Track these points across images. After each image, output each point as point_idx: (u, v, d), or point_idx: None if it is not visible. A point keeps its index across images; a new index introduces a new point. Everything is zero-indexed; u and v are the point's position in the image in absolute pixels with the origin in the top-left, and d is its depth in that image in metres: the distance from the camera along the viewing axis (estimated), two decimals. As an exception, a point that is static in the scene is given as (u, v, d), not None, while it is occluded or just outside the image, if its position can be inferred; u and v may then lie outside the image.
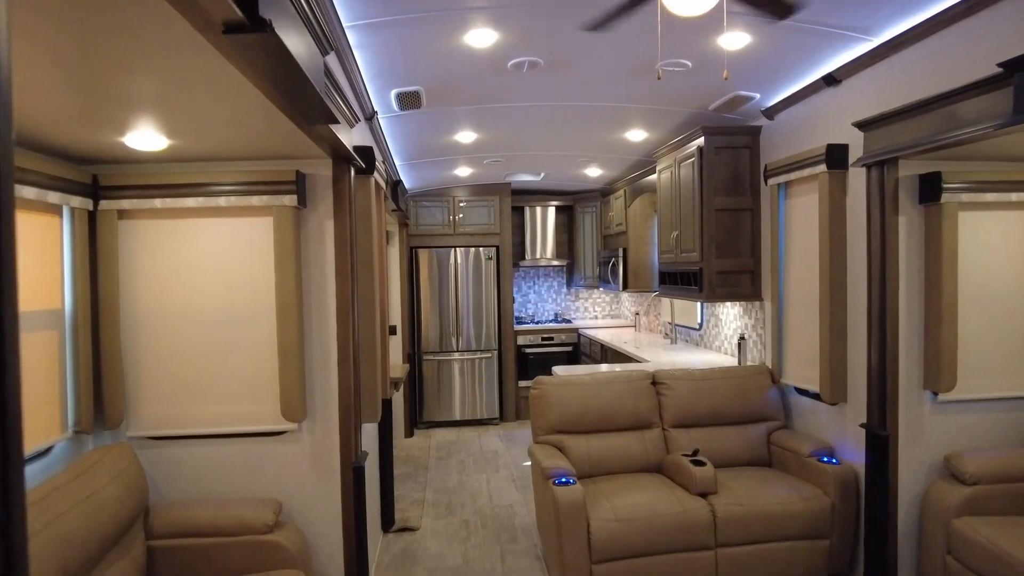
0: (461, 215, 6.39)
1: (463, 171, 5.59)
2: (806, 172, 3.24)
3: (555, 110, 3.82)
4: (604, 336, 5.80)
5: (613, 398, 3.42)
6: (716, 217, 3.89)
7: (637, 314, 6.19)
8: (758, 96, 3.54)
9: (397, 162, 4.89)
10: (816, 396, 3.31)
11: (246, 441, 2.43)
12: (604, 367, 4.63)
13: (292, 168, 2.34)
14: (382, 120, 3.69)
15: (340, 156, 2.38)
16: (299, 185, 2.34)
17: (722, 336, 4.55)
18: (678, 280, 4.29)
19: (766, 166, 3.65)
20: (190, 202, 2.31)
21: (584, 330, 6.44)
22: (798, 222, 3.44)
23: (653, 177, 5.14)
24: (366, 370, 2.76)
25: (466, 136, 4.33)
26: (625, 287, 5.79)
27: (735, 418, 3.53)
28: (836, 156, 3.06)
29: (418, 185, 6.08)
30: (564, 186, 6.61)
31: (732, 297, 3.94)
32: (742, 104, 3.66)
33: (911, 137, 2.50)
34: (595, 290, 7.31)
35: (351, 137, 2.40)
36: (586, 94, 3.51)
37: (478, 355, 6.37)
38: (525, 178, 6.24)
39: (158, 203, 2.29)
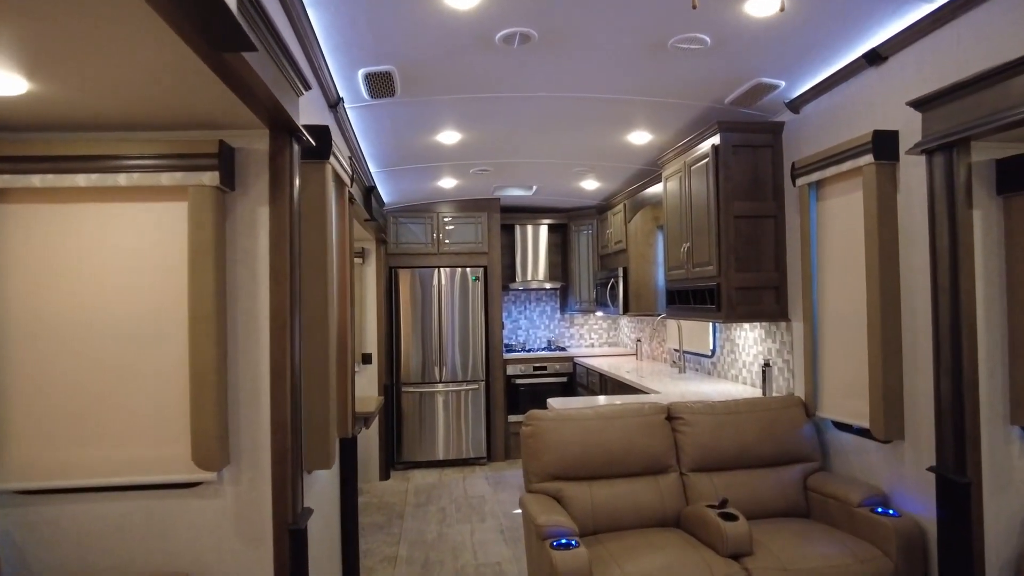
0: (446, 233, 5.90)
1: (447, 182, 5.12)
2: (846, 166, 2.77)
3: (550, 103, 3.36)
4: (603, 365, 5.26)
5: (622, 436, 2.88)
6: (735, 225, 3.41)
7: (639, 341, 5.67)
8: (783, 85, 3.11)
9: (373, 169, 4.40)
10: (863, 432, 2.78)
11: (147, 495, 1.86)
12: (606, 399, 4.08)
13: (215, 138, 1.83)
14: (350, 111, 3.21)
15: (280, 126, 1.88)
16: (223, 160, 1.82)
17: (739, 363, 4.03)
18: (690, 299, 3.79)
19: (794, 164, 3.19)
20: (80, 180, 1.78)
21: (581, 359, 5.91)
22: (834, 226, 2.96)
23: (655, 189, 4.69)
24: (315, 403, 2.21)
25: (449, 136, 3.86)
26: (626, 310, 5.29)
27: (765, 459, 2.99)
28: (885, 144, 2.60)
29: (398, 199, 5.59)
30: (558, 202, 6.15)
31: (754, 317, 3.44)
32: (764, 95, 3.22)
33: (989, 111, 2.04)
34: (591, 315, 6.80)
35: (297, 108, 1.90)
36: (586, 81, 3.06)
37: (464, 387, 5.81)
38: (515, 192, 5.77)
39: (36, 180, 1.77)
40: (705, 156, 3.54)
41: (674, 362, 4.89)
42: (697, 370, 4.66)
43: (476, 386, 5.84)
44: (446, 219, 5.90)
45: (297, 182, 1.95)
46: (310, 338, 2.18)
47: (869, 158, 2.62)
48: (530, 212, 6.45)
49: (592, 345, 6.81)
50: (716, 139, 3.43)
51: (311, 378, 2.19)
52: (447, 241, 5.90)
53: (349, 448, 3.06)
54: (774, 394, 3.50)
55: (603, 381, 5.06)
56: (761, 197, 3.46)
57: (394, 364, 5.74)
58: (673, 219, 4.03)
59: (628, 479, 2.87)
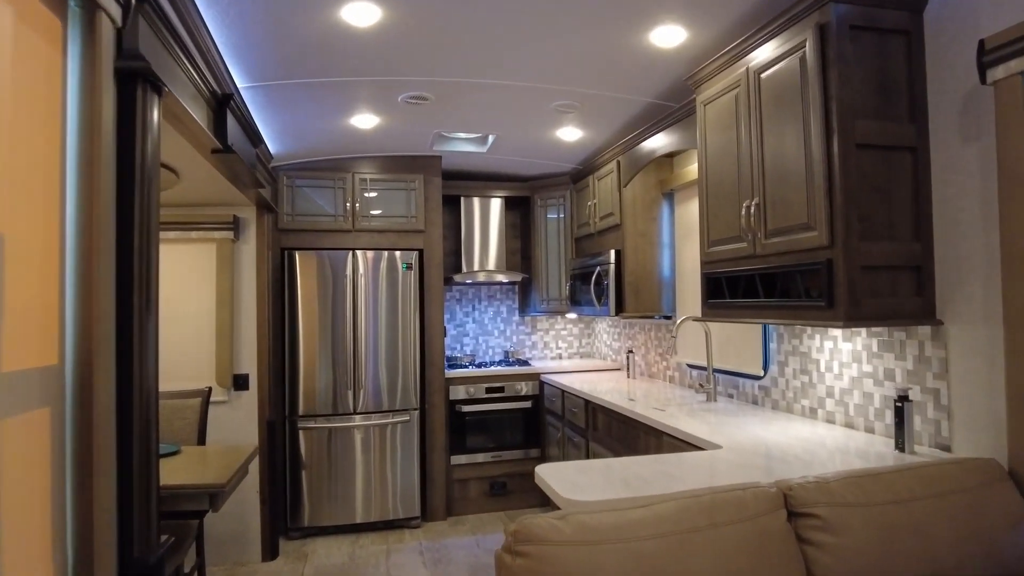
0: (365, 203, 4.31)
1: (365, 120, 3.54)
2: None
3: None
4: (582, 385, 3.83)
5: (713, 568, 1.41)
6: (857, 161, 2.03)
7: (630, 352, 4.27)
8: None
9: (241, 82, 2.79)
10: None
11: None
12: (631, 461, 2.63)
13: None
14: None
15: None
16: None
17: (819, 391, 2.66)
18: (758, 290, 2.39)
19: (983, 43, 1.83)
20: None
21: (550, 376, 4.45)
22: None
23: (660, 140, 3.29)
24: None
25: (361, 10, 2.30)
26: (620, 310, 3.86)
27: (966, 590, 1.60)
28: None
29: (293, 149, 3.96)
30: (519, 166, 4.67)
31: (890, 316, 2.06)
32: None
33: None
34: (559, 317, 5.36)
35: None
36: None
37: (390, 418, 4.23)
38: (463, 148, 4.26)
39: None
40: (795, 51, 2.15)
41: (700, 385, 3.49)
42: (733, 396, 3.28)
43: (407, 417, 4.27)
44: (366, 183, 4.31)
45: None
46: None
47: None
48: (481, 180, 4.94)
49: (560, 356, 5.36)
50: (824, 15, 2.05)
51: None
52: (367, 214, 4.31)
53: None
54: (919, 450, 2.13)
55: (590, 412, 3.61)
56: (892, 115, 2.10)
57: (287, 388, 4.10)
58: (722, 165, 2.63)
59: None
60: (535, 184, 4.94)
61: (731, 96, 2.56)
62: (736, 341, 3.21)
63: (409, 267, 4.31)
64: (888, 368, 2.30)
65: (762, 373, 3.01)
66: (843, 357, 2.53)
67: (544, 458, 4.54)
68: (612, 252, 3.86)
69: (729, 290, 2.61)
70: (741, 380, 3.21)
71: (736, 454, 2.11)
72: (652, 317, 4.08)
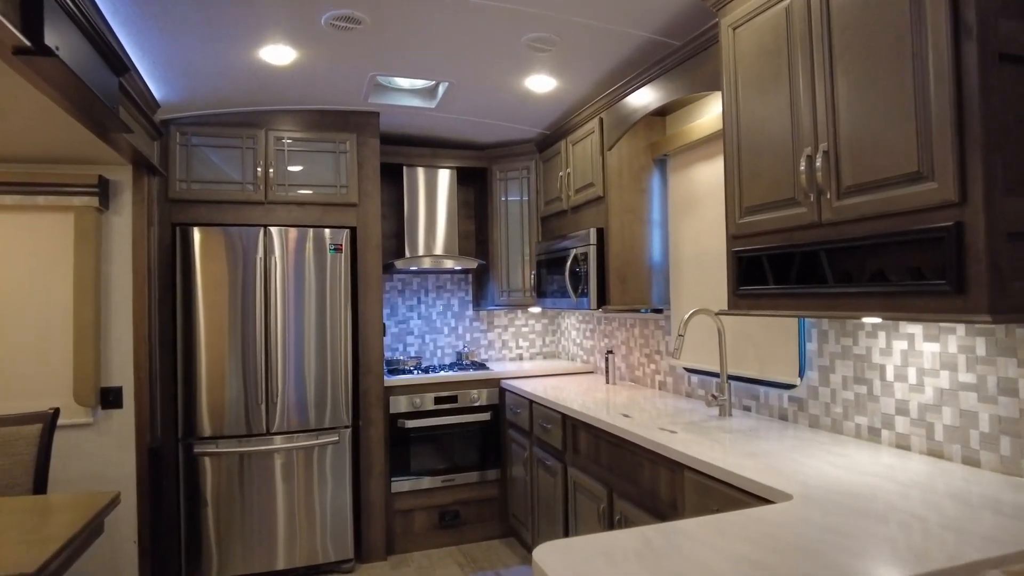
0: (282, 167, 3.47)
1: (278, 53, 2.72)
2: None
3: None
4: (554, 393, 3.14)
5: None
6: (999, 76, 1.40)
7: (609, 354, 3.61)
8: None
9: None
10: None
11: None
12: (668, 532, 1.94)
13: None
14: None
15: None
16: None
17: (884, 407, 2.05)
18: (826, 274, 1.75)
19: None
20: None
21: (513, 382, 3.74)
22: None
23: (648, 96, 2.64)
24: None
25: None
26: (603, 302, 3.18)
27: None
28: None
29: (187, 97, 3.09)
30: (472, 132, 3.93)
31: (1040, 309, 1.44)
32: None
33: None
34: (520, 311, 4.65)
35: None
36: None
37: (315, 439, 3.43)
38: (407, 102, 3.48)
39: None
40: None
41: (713, 396, 2.85)
42: (751, 410, 2.65)
43: (335, 437, 3.47)
44: (283, 143, 3.48)
45: None
46: None
47: None
48: (428, 146, 4.17)
49: (521, 357, 4.66)
50: None
51: None
52: (285, 182, 3.48)
53: None
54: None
55: (569, 429, 2.91)
56: (1035, 20, 1.48)
57: (181, 405, 3.24)
58: (763, 105, 1.98)
59: None
60: (493, 153, 4.20)
61: (778, 10, 1.90)
62: (758, 340, 2.58)
63: (338, 249, 3.50)
64: (1007, 378, 1.69)
65: (797, 381, 2.38)
66: (924, 362, 1.92)
67: (505, 480, 3.83)
68: (592, 232, 3.18)
69: (775, 273, 1.95)
70: (763, 390, 2.59)
71: (820, 509, 1.45)
72: (638, 311, 3.43)
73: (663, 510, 2.19)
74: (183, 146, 3.32)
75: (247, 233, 3.35)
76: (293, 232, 3.43)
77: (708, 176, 2.90)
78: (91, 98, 1.94)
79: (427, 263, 3.95)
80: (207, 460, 3.26)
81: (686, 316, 2.58)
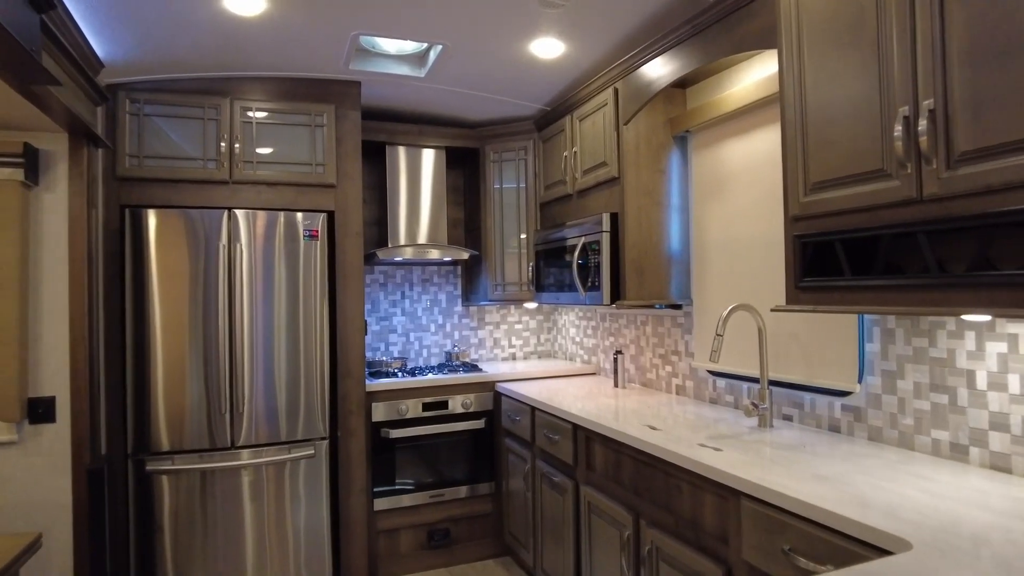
0: (249, 142, 3.06)
1: (245, 4, 2.31)
2: None
3: None
4: (556, 398, 2.80)
5: None
6: None
7: (618, 354, 3.28)
8: None
9: None
10: None
11: None
12: None
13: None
14: None
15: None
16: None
17: (972, 420, 1.75)
18: (923, 258, 1.43)
19: None
20: None
21: (509, 385, 3.39)
22: None
23: (671, 63, 2.31)
24: None
25: None
26: (617, 296, 2.85)
27: None
28: None
29: (138, 56, 2.66)
30: (464, 107, 3.55)
31: None
32: None
33: None
34: (513, 307, 4.29)
35: None
36: None
37: (288, 452, 3.03)
38: (393, 70, 3.10)
39: None
40: None
41: (754, 405, 2.54)
42: (792, 419, 2.34)
43: (311, 450, 3.08)
44: (251, 114, 3.06)
45: None
46: None
47: None
48: (414, 122, 3.78)
49: (515, 356, 4.30)
50: None
51: None
52: (253, 159, 3.06)
53: None
54: None
55: (581, 442, 2.57)
56: None
57: (131, 416, 2.82)
58: (838, 58, 1.65)
59: None
60: (486, 132, 3.83)
61: (863, -60, 1.57)
62: (805, 340, 2.27)
63: (314, 236, 3.10)
64: None
65: (855, 387, 2.07)
66: (1031, 368, 1.62)
67: (500, 495, 3.48)
68: (605, 217, 2.84)
69: (852, 261, 1.63)
70: (808, 397, 2.28)
71: (956, 565, 1.13)
72: (653, 307, 3.10)
73: (709, 544, 1.86)
74: (134, 116, 2.89)
75: (209, 217, 2.94)
76: (262, 216, 3.02)
77: (741, 153, 2.57)
78: (1, 35, 1.53)
79: (412, 253, 3.56)
80: (163, 479, 2.85)
81: (724, 313, 2.25)
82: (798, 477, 1.67)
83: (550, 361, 4.13)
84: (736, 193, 2.60)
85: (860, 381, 2.07)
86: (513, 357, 4.28)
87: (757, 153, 2.48)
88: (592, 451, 2.52)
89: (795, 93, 1.80)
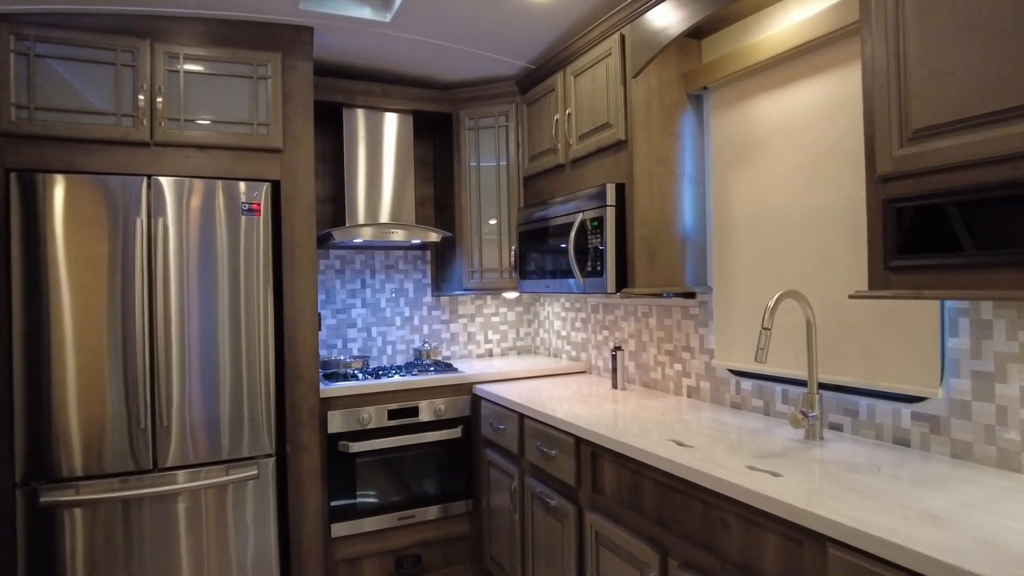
0: (173, 95, 2.52)
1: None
2: None
3: None
4: (552, 404, 2.38)
5: None
6: None
7: (617, 351, 2.87)
8: None
9: None
10: None
11: None
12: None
13: None
14: None
15: None
16: None
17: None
18: None
19: None
20: None
21: (488, 388, 2.94)
22: None
23: (680, 6, 1.91)
24: None
25: None
26: (623, 284, 2.43)
27: None
28: None
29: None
30: (435, 64, 3.07)
31: None
32: None
33: None
34: (489, 297, 3.84)
35: None
36: None
37: (225, 473, 2.53)
38: (353, 12, 2.61)
39: None
40: None
41: (803, 414, 2.16)
42: (843, 429, 1.96)
43: (254, 470, 2.58)
44: (178, 62, 2.52)
45: None
46: None
47: None
48: (376, 80, 3.27)
49: (491, 353, 3.85)
50: None
51: None
52: (179, 116, 2.53)
53: None
54: None
55: (585, 458, 2.15)
56: None
57: (18, 434, 2.27)
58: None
59: None
60: (461, 95, 3.36)
61: None
62: (865, 334, 1.89)
63: (255, 210, 2.59)
64: None
65: (935, 392, 1.70)
66: None
67: (480, 514, 3.05)
68: (609, 189, 2.41)
69: (975, 230, 1.24)
70: (864, 402, 1.90)
71: None
72: (661, 295, 2.70)
73: (774, 598, 1.46)
74: (21, 56, 2.32)
75: (125, 186, 2.40)
76: (193, 186, 2.49)
77: (776, 111, 2.18)
78: None
79: (374, 234, 3.07)
80: (67, 513, 2.31)
81: (771, 303, 1.85)
82: (899, 515, 1.27)
83: (532, 358, 3.70)
84: (770, 159, 2.20)
85: (942, 384, 1.69)
86: (490, 354, 3.83)
87: (799, 109, 2.09)
88: (600, 470, 2.10)
89: (891, 11, 1.40)
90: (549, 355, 3.75)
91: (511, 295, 3.69)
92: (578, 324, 3.44)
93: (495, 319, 3.85)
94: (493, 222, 3.29)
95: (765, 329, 1.81)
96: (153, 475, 2.42)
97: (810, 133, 2.05)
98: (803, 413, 1.90)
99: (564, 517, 2.27)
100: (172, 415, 2.45)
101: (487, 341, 3.82)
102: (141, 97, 2.46)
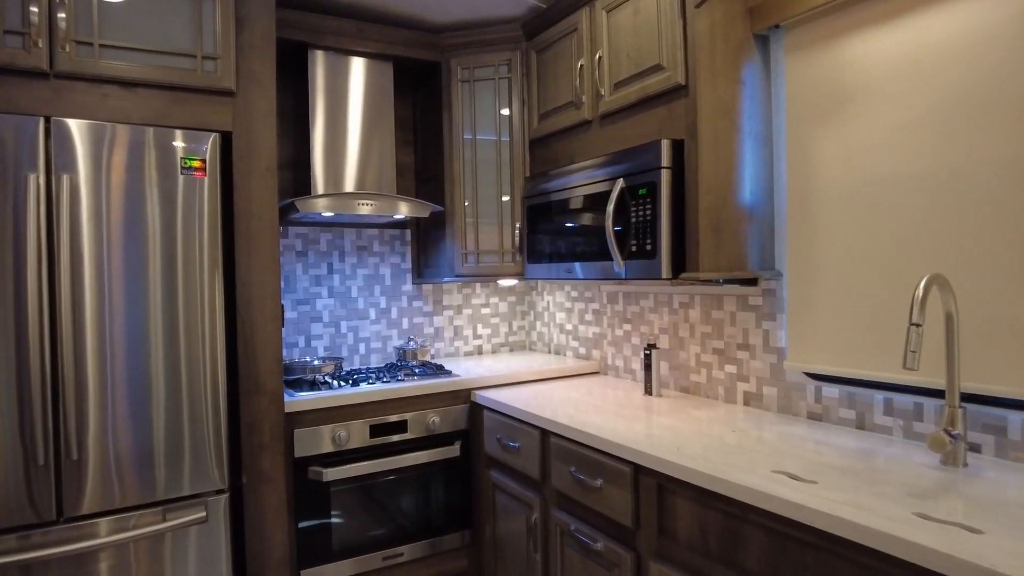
0: (88, 9, 1.89)
1: None
2: None
3: None
4: (583, 417, 1.92)
5: None
6: None
7: (651, 348, 2.41)
8: None
9: None
10: None
11: None
12: None
13: None
14: None
15: None
16: None
17: None
18: None
19: None
20: None
21: (491, 394, 2.45)
22: None
23: None
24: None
25: None
26: (681, 268, 1.97)
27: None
28: None
29: None
30: (423, 3, 2.53)
31: None
32: None
33: None
34: (479, 285, 3.32)
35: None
36: None
37: (161, 519, 1.94)
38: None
39: None
40: None
41: (951, 437, 1.73)
42: (980, 451, 1.56)
43: (200, 512, 2.00)
44: (86, -36, 1.90)
45: None
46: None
47: None
48: (350, 16, 2.68)
49: (481, 350, 3.34)
50: None
51: None
52: (92, 40, 1.90)
53: None
54: None
55: (646, 492, 1.68)
56: None
57: None
58: None
59: None
60: (453, 39, 2.82)
61: None
62: (1012, 324, 1.48)
63: (199, 168, 2.00)
64: None
65: None
66: None
67: (479, 545, 2.55)
68: (664, 146, 1.94)
69: None
70: (1016, 417, 1.50)
71: None
72: (711, 282, 2.25)
73: None
74: None
75: (13, 129, 1.77)
76: (115, 134, 1.88)
77: (886, 50, 1.75)
78: None
79: (347, 207, 2.50)
80: (-71, 578, 1.69)
81: (919, 291, 1.41)
82: None
83: (529, 356, 3.21)
84: (872, 113, 1.77)
85: None
86: (479, 351, 3.32)
87: (924, 45, 1.66)
88: (670, 508, 1.64)
89: None
90: (549, 352, 3.27)
91: (505, 283, 3.19)
92: (588, 316, 2.97)
93: (485, 311, 3.34)
94: (494, 193, 2.78)
95: (914, 325, 1.38)
96: (60, 527, 1.82)
97: (942, 76, 1.63)
98: (948, 432, 1.48)
99: (615, 565, 1.80)
100: (87, 446, 1.85)
101: (476, 336, 3.31)
102: (34, 8, 1.82)
